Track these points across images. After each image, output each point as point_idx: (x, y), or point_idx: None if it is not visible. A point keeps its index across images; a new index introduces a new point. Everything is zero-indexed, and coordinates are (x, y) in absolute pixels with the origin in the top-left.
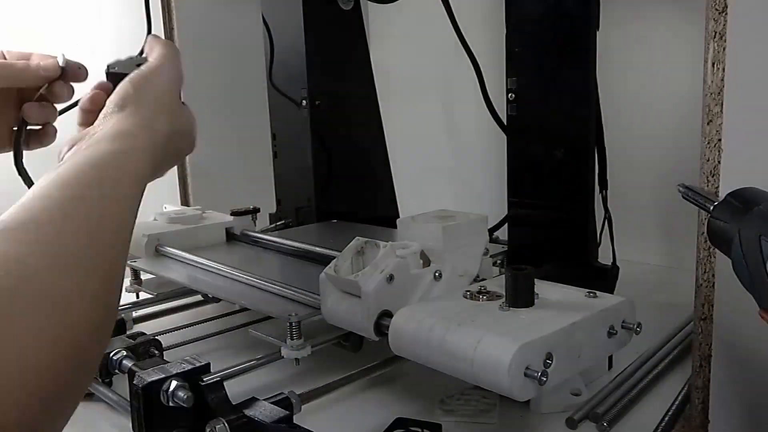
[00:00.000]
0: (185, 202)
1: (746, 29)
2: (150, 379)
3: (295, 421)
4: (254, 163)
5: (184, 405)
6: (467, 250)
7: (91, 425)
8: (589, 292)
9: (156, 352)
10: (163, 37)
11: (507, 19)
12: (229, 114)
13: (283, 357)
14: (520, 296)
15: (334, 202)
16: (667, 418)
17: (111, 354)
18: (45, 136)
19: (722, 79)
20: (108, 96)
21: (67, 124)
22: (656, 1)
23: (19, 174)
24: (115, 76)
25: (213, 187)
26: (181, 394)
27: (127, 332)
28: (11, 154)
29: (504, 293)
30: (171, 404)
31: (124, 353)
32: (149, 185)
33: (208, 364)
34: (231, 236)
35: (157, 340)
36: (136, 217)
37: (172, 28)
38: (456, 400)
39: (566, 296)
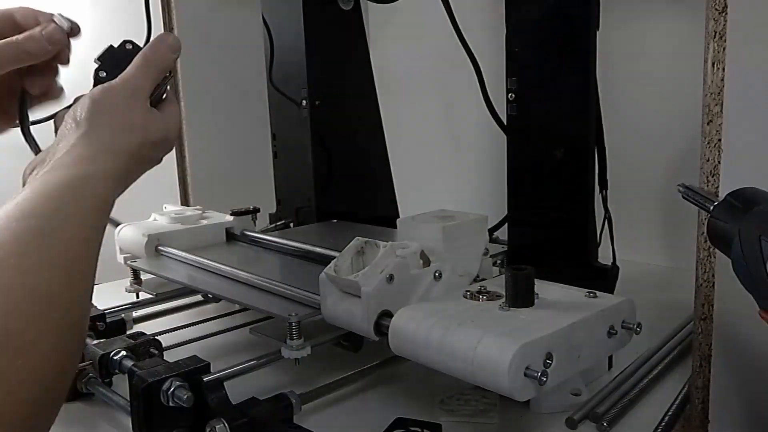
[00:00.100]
0: (185, 202)
1: (746, 29)
2: (150, 379)
3: (295, 421)
4: (254, 163)
5: (184, 405)
6: (467, 250)
7: (91, 425)
8: (589, 292)
9: (156, 352)
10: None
11: (507, 19)
12: (229, 114)
13: (283, 357)
14: (520, 296)
15: (334, 202)
16: (667, 418)
17: (111, 354)
18: (50, 96)
19: (722, 79)
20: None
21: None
22: (656, 1)
23: (27, 142)
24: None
25: (213, 187)
26: (181, 394)
27: (127, 332)
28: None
29: (504, 293)
30: (171, 404)
31: (124, 353)
32: (149, 184)
33: (208, 364)
34: (231, 236)
35: (157, 340)
36: (101, 240)
37: (172, 28)
38: (456, 400)
39: (566, 296)
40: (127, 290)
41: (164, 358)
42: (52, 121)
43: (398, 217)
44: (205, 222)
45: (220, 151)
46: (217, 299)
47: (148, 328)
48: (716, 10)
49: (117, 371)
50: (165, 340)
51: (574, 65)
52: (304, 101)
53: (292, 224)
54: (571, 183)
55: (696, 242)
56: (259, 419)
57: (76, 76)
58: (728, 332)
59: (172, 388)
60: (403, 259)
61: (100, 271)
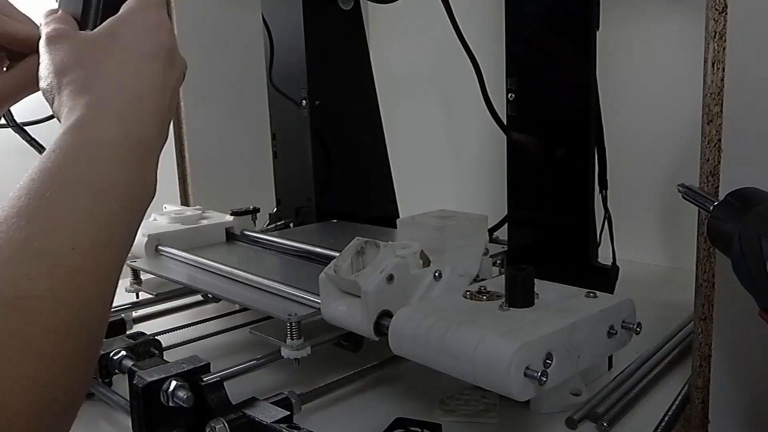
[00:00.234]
0: (185, 202)
1: (746, 29)
2: (150, 379)
3: (295, 421)
4: (254, 163)
5: (184, 405)
6: (467, 250)
7: (91, 425)
8: (589, 292)
9: (156, 352)
10: None
11: (507, 19)
12: (229, 114)
13: (283, 357)
14: (520, 296)
15: (334, 202)
16: (667, 418)
17: (111, 354)
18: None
19: (722, 79)
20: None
21: None
22: (656, 1)
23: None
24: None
25: (213, 187)
26: (181, 394)
27: (127, 332)
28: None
29: (504, 293)
30: (171, 404)
31: (124, 353)
32: None
33: (208, 364)
34: (231, 236)
35: (157, 340)
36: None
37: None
38: (456, 400)
39: (566, 296)
40: (127, 290)
41: (164, 358)
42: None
43: (398, 217)
44: (205, 222)
45: (220, 151)
46: (217, 299)
47: (148, 328)
48: (716, 10)
49: (117, 371)
50: (165, 340)
51: (574, 65)
52: (304, 101)
53: (292, 224)
54: (571, 183)
55: (696, 242)
56: (259, 419)
57: None
58: (728, 332)
59: (171, 388)
60: (403, 259)
61: None
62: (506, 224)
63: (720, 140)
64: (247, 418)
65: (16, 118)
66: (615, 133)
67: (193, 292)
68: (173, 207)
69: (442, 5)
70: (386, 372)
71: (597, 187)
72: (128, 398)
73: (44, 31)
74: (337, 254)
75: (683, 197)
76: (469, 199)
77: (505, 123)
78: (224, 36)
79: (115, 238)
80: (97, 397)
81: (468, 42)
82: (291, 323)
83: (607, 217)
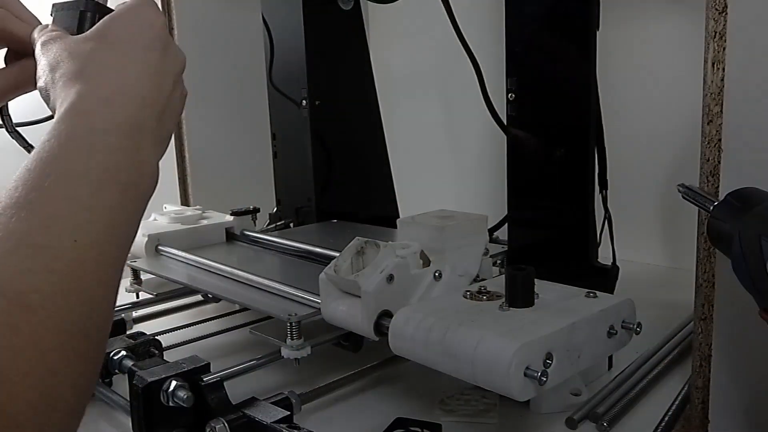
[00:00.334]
0: (185, 202)
1: (746, 29)
2: (150, 379)
3: (295, 421)
4: (254, 163)
5: (184, 405)
6: (467, 250)
7: (91, 425)
8: (589, 292)
9: (156, 352)
10: None
11: (507, 19)
12: (229, 114)
13: (283, 357)
14: (520, 296)
15: (334, 202)
16: (667, 418)
17: (111, 354)
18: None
19: (722, 79)
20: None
21: None
22: (656, 1)
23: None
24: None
25: (213, 187)
26: (181, 394)
27: (127, 332)
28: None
29: (504, 293)
30: (171, 404)
31: (124, 353)
32: None
33: (208, 364)
34: (231, 236)
35: (157, 340)
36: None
37: (172, 28)
38: (456, 400)
39: (566, 296)
40: (127, 290)
41: (164, 358)
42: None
43: (398, 217)
44: (205, 222)
45: (220, 151)
46: (217, 299)
47: (148, 328)
48: (716, 10)
49: (117, 371)
50: (165, 340)
51: (573, 65)
52: (304, 101)
53: (292, 224)
54: (571, 183)
55: (696, 242)
56: (259, 419)
57: None
58: (728, 332)
59: (171, 388)
60: (403, 259)
61: None
62: (506, 224)
63: (720, 140)
64: (247, 418)
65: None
66: (615, 133)
67: (193, 292)
68: (173, 207)
69: (442, 5)
70: (386, 372)
71: (597, 187)
72: (128, 398)
73: (39, 40)
74: (337, 254)
75: (683, 197)
76: (469, 199)
77: (505, 123)
78: (224, 36)
79: (116, 228)
80: (97, 397)
81: (468, 42)
82: (291, 323)
83: (607, 217)
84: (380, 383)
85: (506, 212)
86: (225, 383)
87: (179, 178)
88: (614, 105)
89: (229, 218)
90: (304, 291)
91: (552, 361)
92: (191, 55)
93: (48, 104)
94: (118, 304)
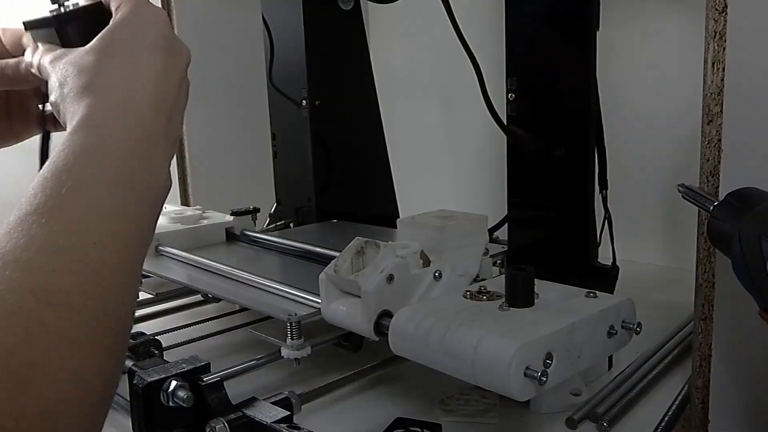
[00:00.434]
0: (185, 202)
1: (746, 29)
2: (150, 379)
3: (295, 421)
4: (254, 163)
5: (184, 405)
6: (467, 250)
7: None
8: (589, 292)
9: (156, 352)
10: None
11: (507, 19)
12: (229, 114)
13: (283, 357)
14: (520, 296)
15: (334, 202)
16: (667, 418)
17: None
18: None
19: (722, 79)
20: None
21: None
22: (656, 1)
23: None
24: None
25: (213, 187)
26: (181, 394)
27: None
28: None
29: (504, 293)
30: (171, 404)
31: None
32: None
33: (208, 364)
34: (231, 236)
35: (157, 340)
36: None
37: (172, 28)
38: (456, 400)
39: (566, 296)
40: None
41: (164, 358)
42: None
43: (398, 217)
44: (205, 222)
45: (220, 151)
46: (217, 299)
47: (148, 328)
48: (716, 10)
49: None
50: (165, 340)
51: (574, 65)
52: (304, 101)
53: (292, 224)
54: (571, 183)
55: (696, 242)
56: (259, 419)
57: None
58: (728, 332)
59: (171, 388)
60: (403, 259)
61: None
62: (506, 224)
63: (720, 140)
64: (247, 418)
65: None
66: (615, 133)
67: (193, 292)
68: (173, 207)
69: (442, 5)
70: (386, 372)
71: (597, 187)
72: (128, 398)
73: (45, 62)
74: (337, 254)
75: (683, 197)
76: (469, 199)
77: (505, 123)
78: (224, 36)
79: (133, 230)
80: None
81: (468, 42)
82: (291, 323)
83: (607, 217)
84: (380, 383)
85: (506, 212)
86: (225, 383)
87: (179, 178)
88: (614, 105)
89: (229, 218)
90: (304, 291)
91: (552, 361)
92: (191, 55)
93: (60, 119)
94: None
